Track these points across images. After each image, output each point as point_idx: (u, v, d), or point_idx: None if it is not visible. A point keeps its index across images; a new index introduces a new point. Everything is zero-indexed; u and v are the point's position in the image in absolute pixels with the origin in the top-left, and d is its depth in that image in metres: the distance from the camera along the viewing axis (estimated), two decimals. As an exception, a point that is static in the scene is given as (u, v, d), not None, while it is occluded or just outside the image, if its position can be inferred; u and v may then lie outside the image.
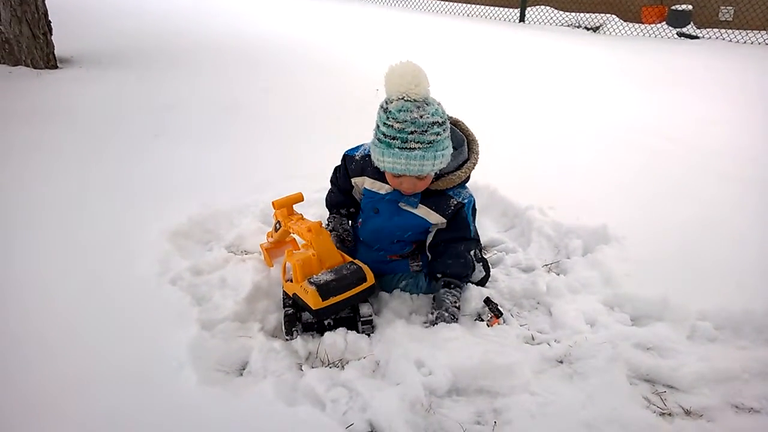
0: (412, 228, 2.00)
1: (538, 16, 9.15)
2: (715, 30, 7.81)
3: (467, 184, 2.02)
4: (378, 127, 1.80)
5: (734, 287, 2.01)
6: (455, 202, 1.94)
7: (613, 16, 8.71)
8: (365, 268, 1.85)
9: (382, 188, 1.98)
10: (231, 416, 1.47)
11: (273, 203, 2.11)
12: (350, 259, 1.92)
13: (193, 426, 1.46)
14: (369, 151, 1.91)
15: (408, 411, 1.49)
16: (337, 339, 1.77)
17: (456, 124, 2.00)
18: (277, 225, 2.13)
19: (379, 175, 1.95)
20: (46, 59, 4.84)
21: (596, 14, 8.90)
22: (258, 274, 2.07)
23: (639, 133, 3.79)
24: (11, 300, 1.93)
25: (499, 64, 6.04)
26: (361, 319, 1.83)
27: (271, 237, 2.22)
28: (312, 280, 1.77)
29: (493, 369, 1.63)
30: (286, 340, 1.81)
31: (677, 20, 8.30)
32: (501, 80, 5.35)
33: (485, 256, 2.25)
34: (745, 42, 7.39)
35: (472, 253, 2.03)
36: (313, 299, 1.73)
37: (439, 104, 1.79)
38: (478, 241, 2.12)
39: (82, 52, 5.42)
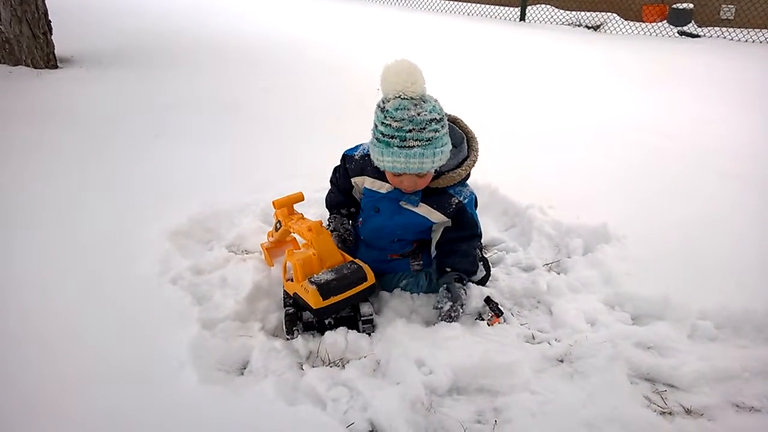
0: (413, 227, 2.00)
1: (539, 15, 9.14)
2: (716, 28, 7.81)
3: (467, 182, 2.02)
4: (376, 126, 1.79)
5: (735, 286, 2.01)
6: (456, 201, 1.94)
7: (614, 14, 8.71)
8: (366, 267, 1.85)
9: (382, 187, 1.97)
10: (232, 416, 1.48)
11: (273, 203, 2.11)
12: (351, 259, 1.92)
13: (193, 425, 1.46)
14: (368, 151, 1.90)
15: (408, 410, 1.49)
16: (337, 338, 1.77)
17: (455, 121, 2.00)
18: (278, 224, 2.13)
19: (380, 174, 1.95)
20: (47, 59, 4.84)
21: (597, 13, 8.90)
22: (258, 274, 2.08)
23: (639, 131, 3.79)
24: (11, 300, 1.93)
25: (499, 63, 6.04)
26: (362, 319, 1.84)
27: (272, 236, 2.22)
28: (312, 280, 1.77)
29: (493, 368, 1.63)
30: (287, 339, 1.81)
31: (678, 19, 8.30)
32: (501, 79, 5.34)
33: (486, 256, 2.25)
34: (746, 41, 7.38)
35: (477, 250, 2.03)
36: (313, 298, 1.73)
37: (436, 101, 1.78)
38: (481, 237, 2.11)
39: (83, 51, 5.42)
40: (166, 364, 1.63)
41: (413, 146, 1.72)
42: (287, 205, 2.11)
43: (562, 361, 1.74)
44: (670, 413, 1.55)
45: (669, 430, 1.47)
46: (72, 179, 2.86)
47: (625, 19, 8.57)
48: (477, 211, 2.06)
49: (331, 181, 2.20)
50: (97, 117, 3.83)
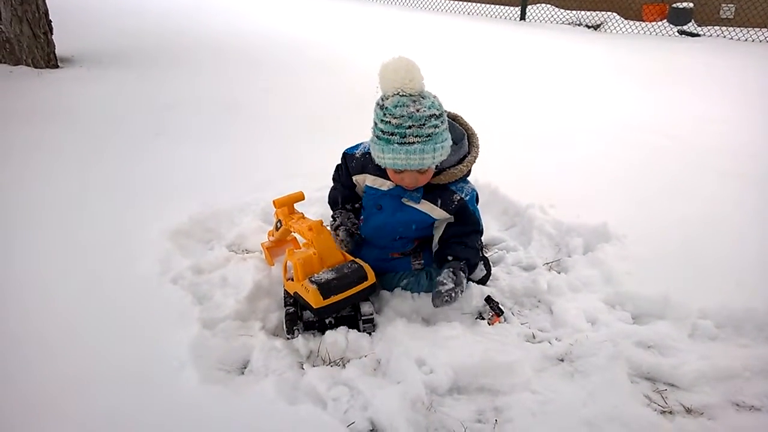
0: (416, 223, 2.00)
1: (539, 14, 9.14)
2: (716, 28, 7.80)
3: (468, 178, 2.02)
4: (376, 124, 1.79)
5: (735, 285, 2.01)
6: (458, 197, 1.94)
7: (614, 14, 8.70)
8: (366, 266, 1.85)
9: (384, 184, 1.97)
10: (232, 415, 1.48)
11: (274, 202, 2.11)
12: (351, 258, 1.92)
13: (194, 425, 1.46)
14: (369, 149, 1.90)
15: (409, 409, 1.49)
16: (338, 337, 1.77)
17: (455, 118, 2.00)
18: (278, 224, 2.13)
19: (381, 172, 1.95)
20: (47, 59, 4.84)
21: (597, 12, 8.89)
22: (259, 273, 2.08)
23: (639, 130, 3.78)
24: (11, 300, 1.93)
25: (499, 63, 6.04)
26: (362, 318, 1.84)
27: (272, 236, 2.22)
28: (313, 279, 1.78)
29: (494, 367, 1.63)
30: (288, 338, 1.81)
31: (678, 18, 8.29)
32: (501, 78, 5.34)
33: (486, 255, 2.25)
34: (746, 40, 7.38)
35: (478, 244, 2.03)
36: (314, 298, 1.73)
37: (435, 97, 1.78)
38: (482, 233, 2.11)
39: (83, 51, 5.42)
40: (166, 364, 1.63)
41: (413, 142, 1.72)
42: (288, 205, 2.11)
43: (562, 360, 1.74)
44: (670, 412, 1.55)
45: (669, 429, 1.47)
46: (72, 179, 2.86)
47: (625, 19, 8.57)
48: (478, 203, 2.06)
49: (333, 179, 2.20)
50: (97, 117, 3.83)
